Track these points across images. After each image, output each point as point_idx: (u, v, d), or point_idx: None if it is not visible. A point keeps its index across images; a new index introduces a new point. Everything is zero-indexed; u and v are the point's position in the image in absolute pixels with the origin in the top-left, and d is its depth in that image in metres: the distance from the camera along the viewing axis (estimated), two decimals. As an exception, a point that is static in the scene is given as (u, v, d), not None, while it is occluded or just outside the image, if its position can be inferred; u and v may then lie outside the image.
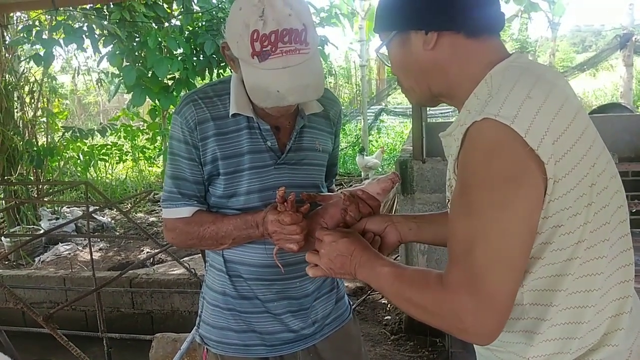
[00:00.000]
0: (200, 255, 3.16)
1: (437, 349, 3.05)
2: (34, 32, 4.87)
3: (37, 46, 5.13)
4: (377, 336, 3.29)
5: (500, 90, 0.83)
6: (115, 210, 6.48)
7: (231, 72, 1.31)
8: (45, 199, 5.52)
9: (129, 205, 6.04)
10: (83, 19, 5.10)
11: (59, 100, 7.33)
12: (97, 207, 3.96)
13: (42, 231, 5.41)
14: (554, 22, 12.79)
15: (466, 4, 0.89)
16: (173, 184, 1.31)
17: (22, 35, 5.10)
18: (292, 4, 1.12)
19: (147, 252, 5.45)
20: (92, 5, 4.79)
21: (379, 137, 10.72)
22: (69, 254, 5.48)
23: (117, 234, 6.11)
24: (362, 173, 7.73)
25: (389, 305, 3.69)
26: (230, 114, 1.27)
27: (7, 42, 5.92)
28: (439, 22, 0.90)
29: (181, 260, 3.02)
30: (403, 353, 3.10)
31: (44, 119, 6.69)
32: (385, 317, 3.55)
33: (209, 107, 1.28)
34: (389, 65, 1.03)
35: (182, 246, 1.51)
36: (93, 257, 3.20)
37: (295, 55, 1.12)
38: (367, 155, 7.89)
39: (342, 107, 1.59)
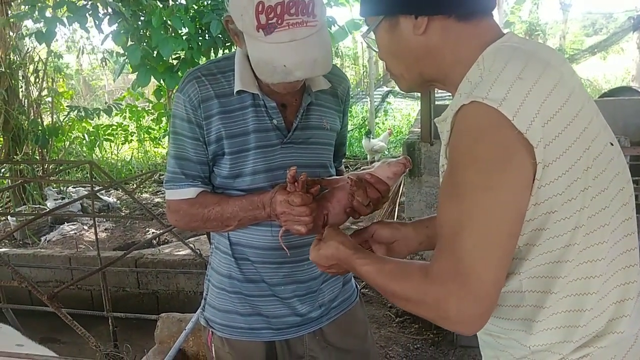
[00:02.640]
0: (205, 236, 3.14)
1: (441, 331, 3.04)
2: (37, 9, 4.82)
3: (40, 24, 5.08)
4: (382, 318, 3.28)
5: (491, 71, 0.80)
6: (120, 190, 6.48)
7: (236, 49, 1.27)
8: (51, 179, 5.51)
9: (134, 185, 6.03)
10: (87, -4, 5.03)
11: (63, 80, 7.28)
12: (102, 187, 3.93)
13: (47, 211, 5.42)
14: (565, 4, 12.57)
15: None
16: (176, 164, 1.28)
17: (25, 9, 5.05)
18: None
19: (153, 233, 5.45)
20: (96, -19, 4.72)
21: (386, 120, 10.61)
22: (75, 233, 5.50)
23: (123, 214, 6.11)
24: (367, 156, 7.66)
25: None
26: (235, 91, 1.23)
27: (10, 18, 5.86)
28: (429, 6, 0.87)
29: (187, 241, 3.00)
30: (408, 335, 3.09)
31: (49, 99, 6.66)
32: (391, 300, 3.54)
33: (212, 85, 1.24)
34: (376, 50, 0.99)
35: (186, 228, 1.48)
36: (98, 237, 3.20)
37: (302, 28, 1.07)
38: (373, 138, 7.82)
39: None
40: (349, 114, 1.55)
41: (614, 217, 0.82)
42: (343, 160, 1.56)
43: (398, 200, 4.66)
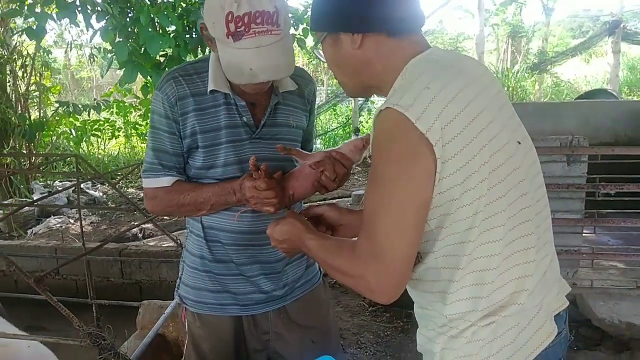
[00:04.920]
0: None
1: (411, 319, 3.21)
2: (26, 6, 4.88)
3: (30, 20, 5.14)
4: (356, 307, 3.44)
5: (407, 81, 0.95)
6: (107, 184, 6.57)
7: None
8: (36, 170, 5.59)
9: (119, 178, 6.12)
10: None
11: (48, 74, 7.33)
12: (87, 179, 4.03)
13: (32, 201, 5.50)
14: (548, 8, 12.81)
15: (386, 8, 0.99)
16: (154, 155, 1.41)
17: (15, 6, 5.11)
18: None
19: (134, 224, 5.56)
20: (84, -20, 4.80)
21: (370, 118, 10.78)
22: (61, 226, 5.58)
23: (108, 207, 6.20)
24: None
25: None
26: (208, 91, 1.37)
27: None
28: (363, 24, 1.01)
29: (171, 234, 3.13)
30: (379, 323, 3.25)
31: (37, 93, 6.73)
32: (365, 291, 3.69)
33: (188, 84, 1.37)
34: (325, 61, 1.14)
35: (162, 214, 1.62)
36: (84, 230, 3.32)
37: (267, 36, 1.21)
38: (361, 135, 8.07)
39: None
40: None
41: (511, 205, 0.96)
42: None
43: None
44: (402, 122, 0.88)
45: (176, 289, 1.60)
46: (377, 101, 11.52)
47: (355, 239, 1.01)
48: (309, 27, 6.10)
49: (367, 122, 10.28)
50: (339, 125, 9.97)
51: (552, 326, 1.04)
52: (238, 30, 1.20)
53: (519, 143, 1.00)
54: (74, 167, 6.99)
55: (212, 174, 1.41)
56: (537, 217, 1.01)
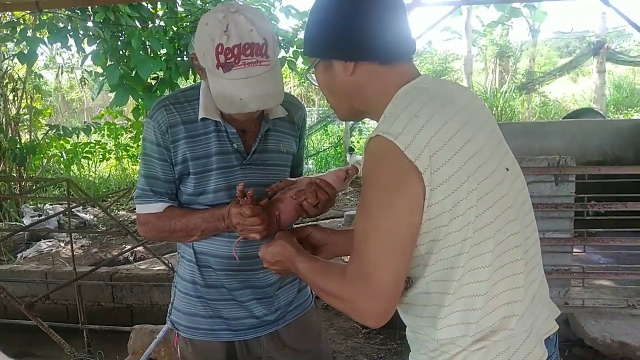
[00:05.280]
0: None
1: (405, 341, 3.18)
2: (18, 31, 4.92)
3: (22, 44, 5.18)
4: (349, 330, 3.43)
5: (396, 109, 0.97)
6: (98, 207, 6.54)
7: None
8: (28, 195, 5.56)
9: (110, 202, 6.11)
10: (67, 19, 5.16)
11: (39, 97, 7.32)
12: (78, 204, 4.02)
13: (24, 226, 5.46)
14: (534, 29, 13.06)
15: (378, 38, 1.02)
16: (146, 182, 1.43)
17: (6, 32, 5.15)
18: (253, 21, 1.24)
19: (126, 248, 5.53)
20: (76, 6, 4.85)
21: (361, 138, 10.86)
22: (51, 250, 5.54)
23: (99, 231, 6.17)
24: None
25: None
26: (199, 118, 1.39)
27: (-10, 40, 5.95)
28: (356, 53, 1.03)
29: (162, 257, 3.12)
30: (373, 345, 3.24)
31: (27, 117, 6.73)
32: (358, 312, 3.68)
33: (179, 112, 1.39)
34: (317, 85, 1.16)
35: (154, 239, 1.63)
36: (75, 254, 3.30)
37: (256, 67, 1.24)
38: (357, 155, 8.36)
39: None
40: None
41: (499, 232, 0.97)
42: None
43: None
44: (392, 149, 0.90)
45: (168, 314, 1.60)
46: (368, 122, 11.64)
47: (345, 262, 1.03)
48: (299, 50, 6.22)
49: (358, 142, 10.36)
50: (330, 145, 10.03)
51: (542, 350, 1.05)
52: (228, 61, 1.23)
53: (507, 170, 1.02)
54: (64, 191, 6.96)
55: (203, 200, 1.42)
56: (526, 243, 1.03)
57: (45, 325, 1.81)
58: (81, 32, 5.18)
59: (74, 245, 5.65)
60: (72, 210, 6.62)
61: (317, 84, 1.16)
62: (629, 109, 12.75)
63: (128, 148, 8.88)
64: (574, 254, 3.23)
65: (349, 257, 1.10)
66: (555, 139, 4.87)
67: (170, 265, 2.63)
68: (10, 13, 6.01)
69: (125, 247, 5.63)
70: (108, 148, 8.90)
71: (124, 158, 9.07)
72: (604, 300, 3.06)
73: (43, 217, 6.01)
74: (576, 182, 3.03)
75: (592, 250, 3.79)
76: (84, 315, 2.78)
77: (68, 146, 8.00)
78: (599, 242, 3.02)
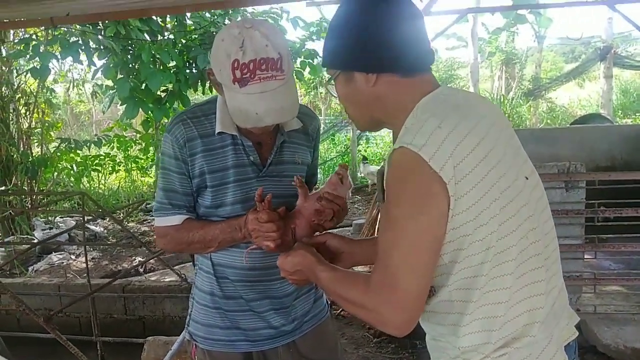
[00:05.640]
0: (190, 263, 3.27)
1: (417, 350, 3.20)
2: (31, 46, 5.00)
3: (35, 59, 5.26)
4: (361, 339, 3.43)
5: (419, 120, 0.99)
6: (108, 220, 6.59)
7: None
8: (44, 209, 5.63)
9: (122, 214, 6.15)
10: (79, 33, 5.23)
11: (49, 111, 7.40)
12: (92, 217, 4.06)
13: (35, 241, 5.51)
14: (540, 34, 13.09)
15: (400, 50, 1.04)
16: (164, 195, 1.45)
17: (19, 48, 5.23)
18: (268, 36, 1.27)
19: (140, 261, 5.56)
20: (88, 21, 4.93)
21: (368, 147, 10.90)
22: (62, 263, 5.59)
23: (110, 243, 6.21)
24: (367, 179, 8.71)
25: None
26: (216, 132, 1.42)
27: (3, 55, 6.04)
28: (378, 65, 1.05)
29: (173, 267, 3.15)
30: (385, 355, 3.24)
31: (38, 130, 6.81)
32: (369, 322, 3.68)
33: (197, 126, 1.42)
34: (336, 96, 1.18)
35: (173, 251, 1.65)
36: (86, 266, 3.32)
37: (272, 81, 1.26)
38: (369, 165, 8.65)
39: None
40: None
41: (521, 240, 0.99)
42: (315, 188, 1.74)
43: (377, 226, 4.84)
44: (416, 161, 0.92)
45: (186, 325, 1.61)
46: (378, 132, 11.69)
47: (367, 272, 1.04)
48: (306, 60, 6.26)
49: (365, 150, 10.38)
50: (337, 154, 10.06)
51: (562, 356, 1.06)
52: (244, 76, 1.25)
53: (527, 178, 1.04)
54: (75, 203, 7.03)
55: (220, 212, 1.45)
56: (546, 250, 1.04)
57: (63, 338, 1.84)
58: (94, 45, 5.25)
59: (83, 258, 5.71)
60: (86, 223, 6.68)
61: (336, 95, 1.17)
62: (637, 114, 12.70)
63: (137, 160, 8.95)
64: (585, 260, 3.22)
65: (361, 266, 1.11)
66: (564, 145, 4.86)
67: (183, 276, 2.65)
68: (22, 30, 6.11)
69: (135, 259, 5.67)
70: (117, 160, 8.98)
71: (133, 170, 9.14)
72: (615, 306, 3.05)
73: (55, 230, 6.07)
74: (586, 188, 3.03)
75: (603, 257, 3.78)
76: (98, 328, 2.80)
77: (78, 159, 8.08)
78: (610, 248, 3.01)
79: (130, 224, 7.07)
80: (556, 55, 18.81)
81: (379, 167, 8.02)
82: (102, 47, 5.33)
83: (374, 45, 1.04)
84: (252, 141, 1.44)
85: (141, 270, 5.21)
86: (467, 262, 0.97)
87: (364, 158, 8.92)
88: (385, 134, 11.47)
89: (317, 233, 1.40)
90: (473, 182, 0.93)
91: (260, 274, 1.47)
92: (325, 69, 1.19)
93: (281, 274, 1.27)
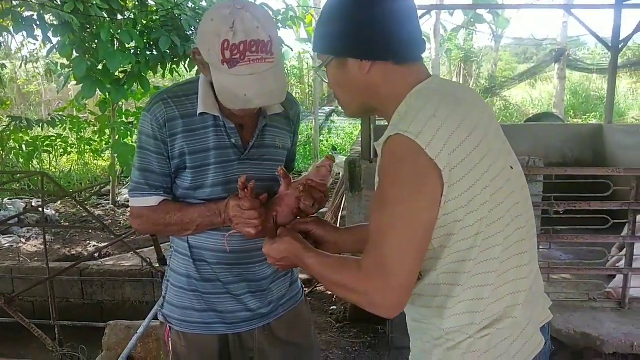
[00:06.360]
0: (153, 247, 3.22)
1: (378, 335, 3.27)
2: (-19, 18, 4.74)
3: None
4: (324, 324, 3.48)
5: (413, 109, 1.01)
6: (60, 203, 6.37)
7: (185, 68, 1.43)
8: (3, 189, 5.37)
9: (82, 197, 5.96)
10: (38, 7, 4.99)
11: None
12: (54, 199, 3.91)
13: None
14: (497, 34, 13.46)
15: (395, 37, 1.06)
16: (141, 175, 1.42)
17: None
18: (259, 18, 1.26)
19: (94, 246, 5.41)
20: (45, -5, 4.71)
21: (329, 138, 10.94)
22: (11, 246, 5.36)
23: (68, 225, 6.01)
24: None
25: (334, 297, 3.88)
26: (198, 113, 1.40)
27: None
28: (372, 52, 1.07)
29: (133, 253, 3.08)
30: (347, 339, 3.30)
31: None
32: (331, 307, 3.75)
33: (177, 106, 1.39)
34: (327, 82, 1.19)
35: (148, 232, 1.63)
36: (38, 249, 3.20)
37: (262, 64, 1.26)
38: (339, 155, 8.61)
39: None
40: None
41: (508, 226, 1.03)
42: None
43: (340, 214, 4.89)
44: (413, 148, 0.94)
45: (159, 308, 1.60)
46: (337, 120, 11.74)
47: (352, 256, 1.06)
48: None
49: (327, 141, 10.42)
50: (299, 144, 10.07)
51: (540, 337, 1.12)
52: (233, 57, 1.24)
53: (512, 168, 1.08)
54: (25, 185, 6.74)
55: (199, 194, 1.43)
56: (528, 236, 1.09)
57: (26, 320, 1.78)
58: (55, 21, 5.01)
59: (35, 241, 5.51)
60: (33, 205, 6.42)
61: (327, 81, 1.18)
62: (587, 114, 13.30)
63: (91, 142, 8.64)
64: (539, 250, 3.37)
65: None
66: (521, 141, 5.04)
67: (148, 260, 2.61)
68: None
69: (90, 243, 5.51)
70: (70, 142, 8.63)
71: (87, 152, 8.82)
72: (566, 294, 3.21)
73: (3, 212, 5.81)
74: (544, 182, 3.17)
75: (554, 248, 3.95)
76: (56, 312, 2.72)
77: (28, 139, 7.72)
78: (563, 239, 3.16)
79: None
80: (509, 56, 19.40)
81: (345, 158, 8.13)
82: (60, 23, 5.10)
83: (370, 32, 1.05)
84: (235, 123, 1.43)
85: (96, 255, 5.07)
86: (457, 247, 1.00)
87: (334, 148, 8.96)
88: (347, 124, 11.58)
89: (298, 218, 1.41)
90: (466, 170, 0.96)
91: (238, 257, 1.47)
92: (317, 54, 1.19)
93: (268, 261, 1.28)
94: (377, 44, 1.06)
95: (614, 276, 3.24)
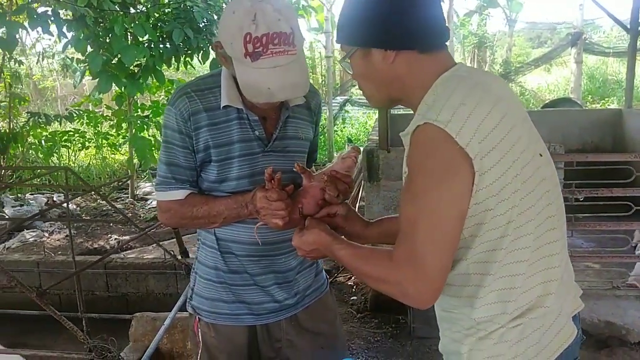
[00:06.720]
0: (175, 240, 3.25)
1: (400, 325, 3.28)
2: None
3: (2, 28, 5.04)
4: (345, 315, 3.49)
5: (441, 97, 1.00)
6: (81, 197, 6.45)
7: (199, 61, 1.43)
8: (27, 184, 5.46)
9: (106, 191, 6.04)
10: (53, 2, 5.03)
11: (9, 84, 7.07)
12: (80, 193, 3.97)
13: (6, 217, 5.36)
14: (511, 19, 13.27)
15: (419, 26, 1.05)
16: (167, 169, 1.44)
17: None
18: (281, 10, 1.26)
19: (116, 239, 5.48)
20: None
21: (344, 128, 10.90)
22: (35, 240, 5.45)
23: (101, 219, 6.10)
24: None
25: (354, 287, 3.90)
26: (221, 106, 1.40)
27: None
28: (397, 42, 1.05)
29: (154, 246, 3.12)
30: (368, 329, 3.32)
31: (5, 104, 6.56)
32: (352, 298, 3.76)
33: (201, 99, 1.40)
34: (351, 73, 1.18)
35: (175, 226, 1.65)
36: (60, 244, 3.26)
37: (284, 56, 1.26)
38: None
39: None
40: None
41: (539, 214, 1.03)
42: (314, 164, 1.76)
43: (358, 204, 4.90)
44: (443, 137, 0.94)
45: (188, 299, 1.62)
46: (351, 110, 11.69)
47: (386, 247, 1.06)
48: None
49: (341, 131, 10.39)
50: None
51: (572, 327, 1.11)
52: (256, 50, 1.24)
53: (541, 155, 1.07)
54: (45, 179, 6.84)
55: (225, 187, 1.45)
56: (559, 224, 1.09)
57: (57, 313, 1.81)
58: (69, 16, 5.04)
59: (58, 235, 5.59)
60: (54, 199, 6.52)
61: (351, 73, 1.18)
62: (604, 99, 13.08)
63: (108, 136, 8.72)
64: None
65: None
66: (538, 127, 4.94)
67: (172, 253, 2.64)
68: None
69: (111, 237, 5.58)
70: (87, 137, 8.72)
71: (104, 146, 8.90)
72: (589, 282, 3.18)
73: (25, 207, 5.91)
74: (564, 169, 3.13)
75: (575, 235, 3.92)
76: (83, 304, 2.77)
77: (47, 134, 7.82)
78: (585, 227, 3.13)
79: (104, 202, 6.93)
80: (523, 41, 19.11)
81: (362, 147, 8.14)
82: (74, 18, 5.13)
83: (394, 21, 1.04)
84: (258, 115, 1.43)
85: (118, 248, 5.14)
86: (487, 236, 0.99)
87: (349, 140, 8.99)
88: (361, 114, 11.53)
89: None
90: (497, 158, 0.95)
91: (265, 248, 1.49)
92: (340, 45, 1.18)
93: (298, 253, 1.29)
94: (401, 33, 1.04)
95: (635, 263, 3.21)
